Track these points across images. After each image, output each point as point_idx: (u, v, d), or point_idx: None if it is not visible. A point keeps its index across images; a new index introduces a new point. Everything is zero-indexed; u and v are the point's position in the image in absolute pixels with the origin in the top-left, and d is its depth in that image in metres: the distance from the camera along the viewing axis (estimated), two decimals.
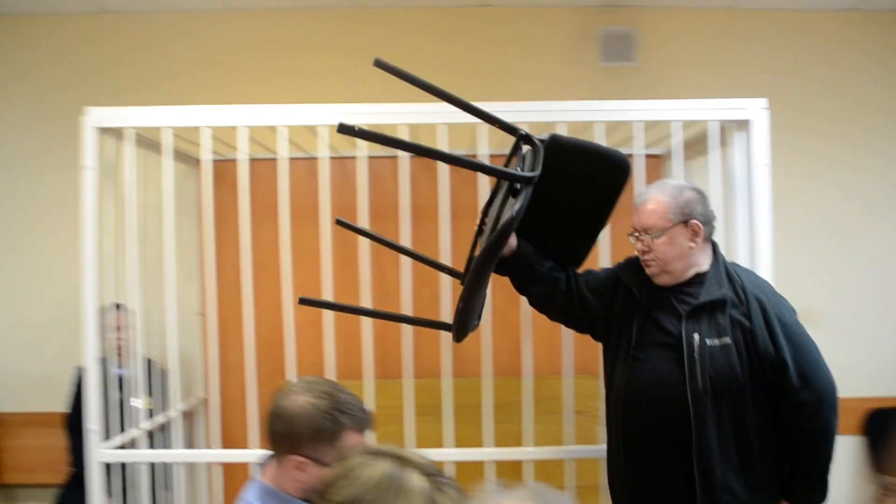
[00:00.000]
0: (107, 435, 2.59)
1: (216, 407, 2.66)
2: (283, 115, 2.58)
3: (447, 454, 2.57)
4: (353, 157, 2.70)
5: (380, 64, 1.62)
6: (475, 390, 2.65)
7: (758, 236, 2.52)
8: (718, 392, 1.97)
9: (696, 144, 2.83)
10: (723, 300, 2.01)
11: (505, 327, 2.52)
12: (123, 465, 2.62)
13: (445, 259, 2.50)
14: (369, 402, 2.49)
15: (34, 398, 3.60)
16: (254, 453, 2.53)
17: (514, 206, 1.73)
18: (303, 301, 2.07)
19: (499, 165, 1.89)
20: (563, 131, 2.55)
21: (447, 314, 2.56)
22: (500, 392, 2.66)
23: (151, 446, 2.77)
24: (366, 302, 2.61)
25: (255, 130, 2.66)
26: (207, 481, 3.03)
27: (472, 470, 2.56)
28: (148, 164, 2.78)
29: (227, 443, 2.87)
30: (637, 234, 2.10)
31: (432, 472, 1.19)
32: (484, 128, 2.54)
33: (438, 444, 2.57)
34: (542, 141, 1.93)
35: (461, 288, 1.91)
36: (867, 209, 3.70)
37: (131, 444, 2.66)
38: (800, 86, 3.69)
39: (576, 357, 2.63)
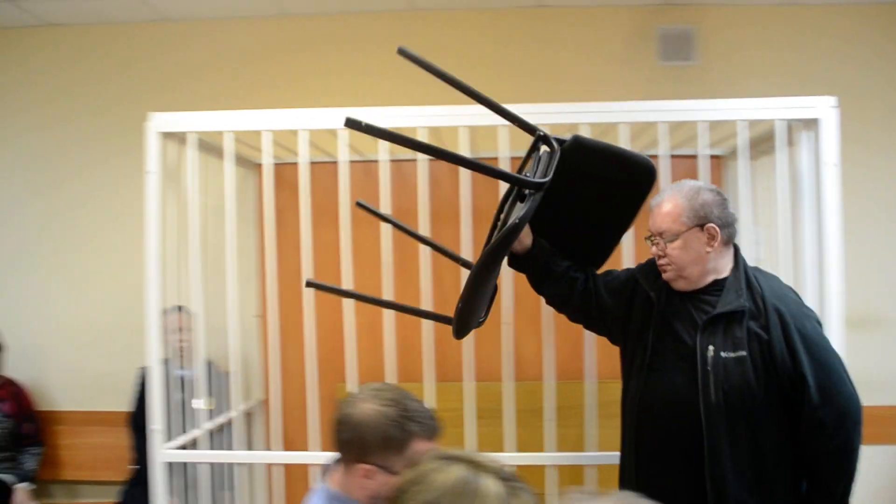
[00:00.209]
0: (169, 435, 2.63)
1: (277, 409, 2.68)
2: (342, 119, 2.57)
3: (508, 458, 2.54)
4: (413, 161, 2.70)
5: (404, 53, 1.62)
6: (534, 394, 2.63)
7: (826, 238, 2.43)
8: (732, 405, 1.89)
9: (759, 144, 2.75)
10: (740, 311, 1.92)
11: (566, 330, 2.47)
12: (185, 465, 2.66)
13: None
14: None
15: (97, 397, 3.69)
16: (313, 455, 2.55)
17: (520, 212, 1.71)
18: (309, 284, 2.07)
19: (512, 169, 1.87)
20: (624, 132, 2.52)
21: None
22: (562, 396, 2.63)
23: (212, 447, 2.81)
24: (426, 305, 2.60)
25: (314, 134, 2.68)
26: (266, 482, 3.06)
27: (532, 474, 2.53)
28: (208, 168, 2.82)
29: (285, 444, 2.88)
30: (653, 237, 2.04)
31: (507, 477, 1.17)
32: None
33: (498, 448, 2.55)
34: (562, 142, 1.90)
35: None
36: None
37: (192, 445, 2.70)
38: (867, 80, 3.56)
39: None
